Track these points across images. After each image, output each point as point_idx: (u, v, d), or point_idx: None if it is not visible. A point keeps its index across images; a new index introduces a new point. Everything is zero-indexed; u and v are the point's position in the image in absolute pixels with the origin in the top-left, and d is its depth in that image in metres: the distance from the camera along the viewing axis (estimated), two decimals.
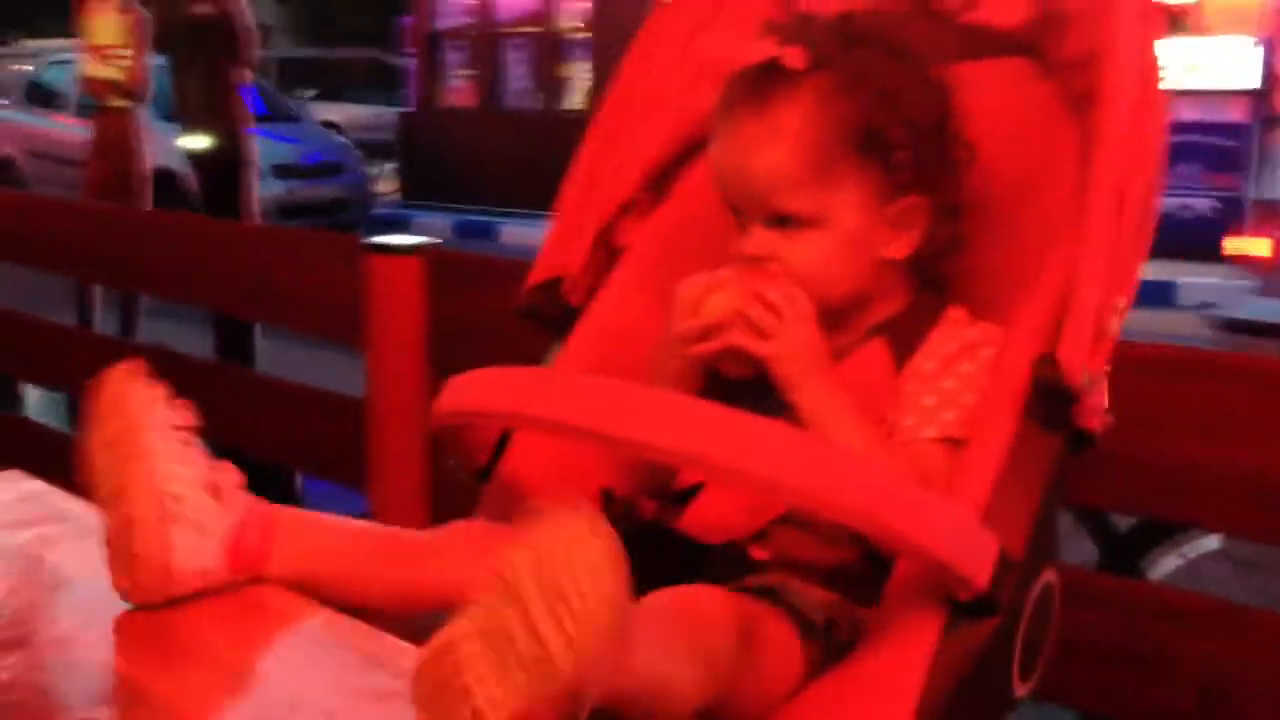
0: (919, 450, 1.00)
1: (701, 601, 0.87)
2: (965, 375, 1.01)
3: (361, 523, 1.05)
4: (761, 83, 1.04)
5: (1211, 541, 2.10)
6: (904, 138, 1.03)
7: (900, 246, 1.05)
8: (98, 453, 0.90)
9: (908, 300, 1.08)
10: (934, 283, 1.09)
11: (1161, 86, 1.01)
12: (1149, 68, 1.00)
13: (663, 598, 0.85)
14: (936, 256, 1.08)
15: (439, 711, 0.68)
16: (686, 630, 0.83)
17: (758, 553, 1.00)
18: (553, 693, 0.67)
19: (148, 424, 0.89)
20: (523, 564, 0.68)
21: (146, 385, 0.91)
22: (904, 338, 1.05)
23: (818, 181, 1.02)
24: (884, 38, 1.06)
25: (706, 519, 1.03)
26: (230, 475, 0.92)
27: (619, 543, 0.69)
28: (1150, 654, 1.43)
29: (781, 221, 1.03)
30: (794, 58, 1.02)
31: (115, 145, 4.43)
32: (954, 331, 1.04)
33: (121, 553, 0.87)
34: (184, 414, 0.92)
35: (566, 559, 0.68)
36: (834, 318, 1.06)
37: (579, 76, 11.90)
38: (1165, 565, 2.04)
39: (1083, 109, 1.05)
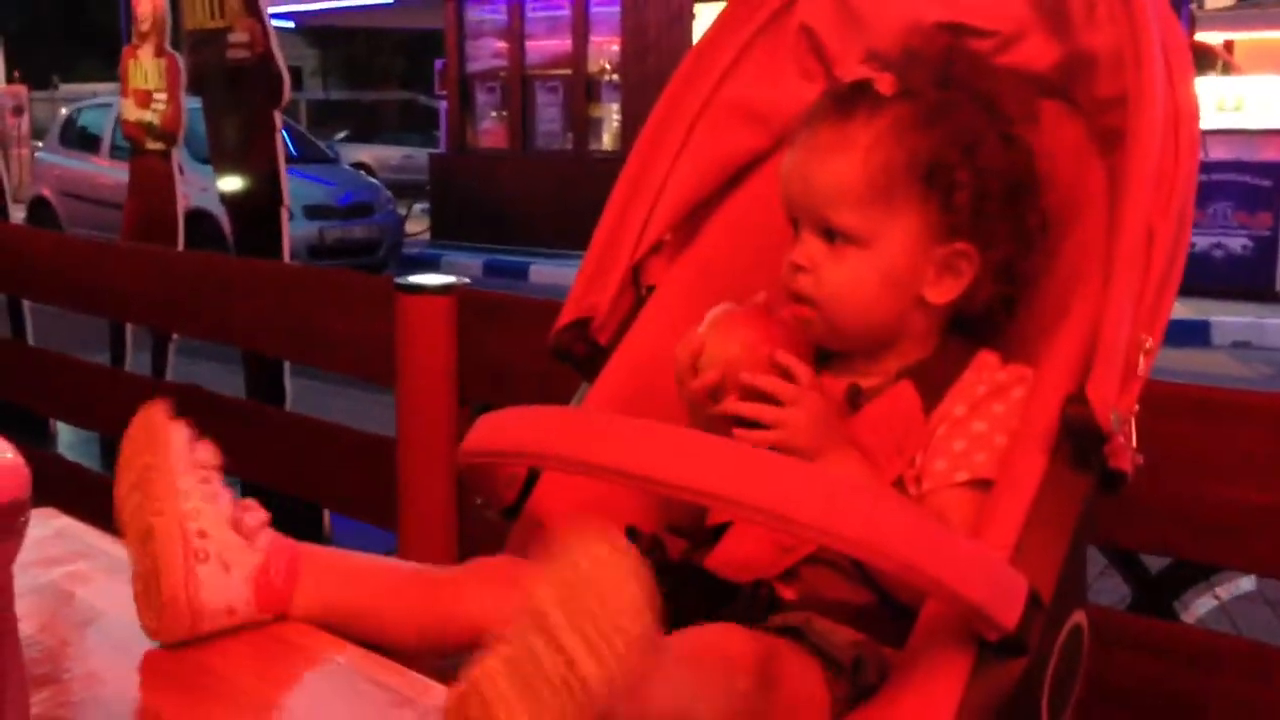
0: (949, 497, 0.99)
1: (723, 639, 0.86)
2: (995, 417, 1.01)
3: (387, 560, 1.05)
4: (847, 100, 1.06)
5: (1247, 583, 2.07)
6: (968, 181, 1.03)
7: (942, 291, 1.06)
8: (125, 495, 0.91)
9: (937, 345, 1.08)
10: (968, 327, 1.09)
11: (1194, 126, 1.01)
12: (1180, 107, 1.00)
13: (685, 635, 0.84)
14: (979, 313, 1.07)
15: None
16: (707, 667, 0.82)
17: (785, 592, 1.00)
18: (583, 714, 0.67)
19: (173, 464, 0.90)
20: (548, 591, 0.69)
21: (172, 424, 0.92)
22: (933, 381, 1.05)
23: (875, 202, 1.04)
24: (977, 86, 1.07)
25: (734, 557, 1.02)
26: (256, 513, 0.93)
27: (644, 564, 0.70)
28: (1183, 697, 1.41)
29: (831, 235, 1.05)
30: (884, 83, 1.04)
31: (151, 187, 4.50)
32: (984, 375, 1.04)
33: (149, 593, 0.88)
34: (210, 452, 0.92)
35: (593, 581, 0.69)
36: (861, 351, 1.07)
37: (609, 119, 12.00)
38: (1199, 607, 2.02)
39: (1112, 149, 1.05)
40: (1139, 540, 1.57)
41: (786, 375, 1.01)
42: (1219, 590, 2.00)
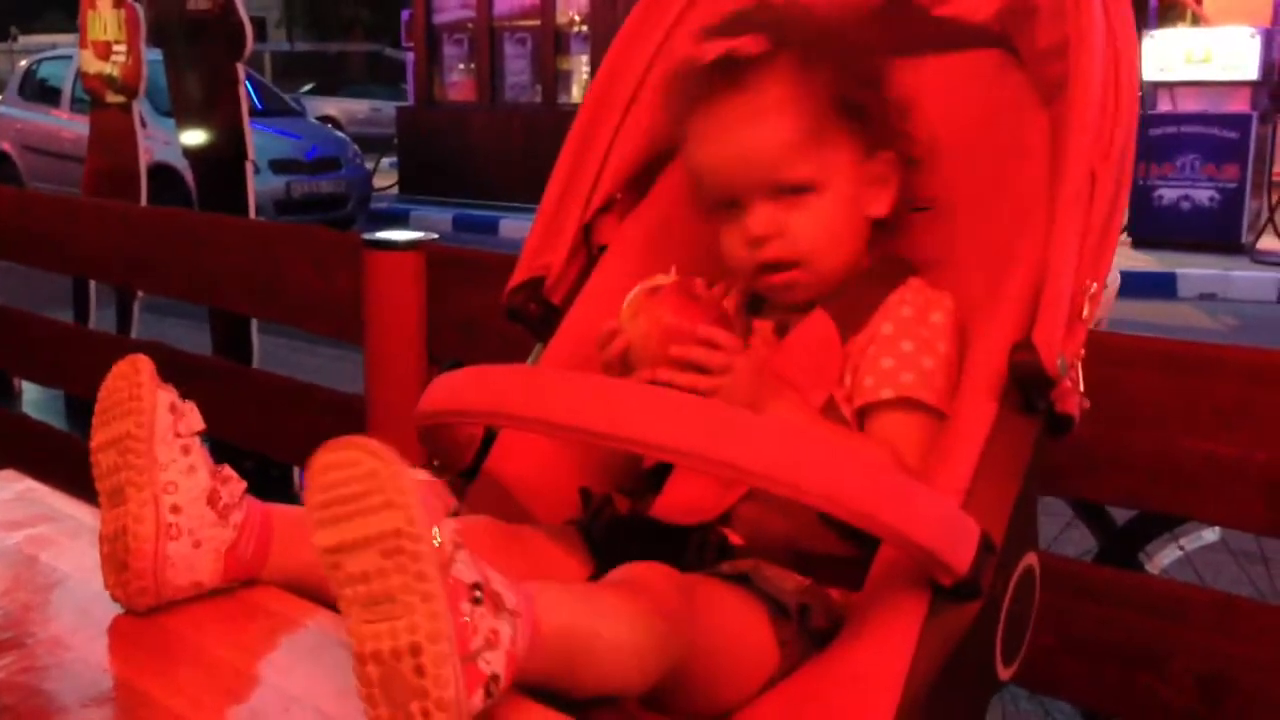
0: (884, 422, 1.02)
1: (647, 570, 0.87)
2: (922, 339, 1.04)
3: None
4: (728, 72, 1.07)
5: (1211, 534, 2.10)
6: (871, 99, 1.08)
7: (882, 204, 1.10)
8: (103, 448, 0.89)
9: (862, 267, 1.11)
10: (903, 263, 1.12)
11: (1134, 72, 1.03)
12: (1119, 53, 1.02)
13: (608, 576, 0.86)
14: (894, 218, 1.11)
15: (400, 696, 0.67)
16: (627, 591, 0.83)
17: (734, 537, 1.02)
18: (416, 558, 0.66)
19: (155, 432, 0.88)
20: (318, 532, 0.69)
21: (158, 387, 0.90)
22: (856, 301, 1.08)
23: (814, 146, 1.07)
24: (808, 20, 1.11)
25: (678, 501, 1.04)
26: (234, 486, 0.91)
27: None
28: (1149, 647, 1.43)
29: (781, 193, 1.07)
30: (752, 44, 1.06)
31: (112, 141, 4.42)
32: (908, 295, 1.07)
33: (116, 558, 0.87)
34: (193, 418, 0.91)
35: (333, 484, 0.69)
36: (837, 288, 1.09)
37: (578, 71, 11.89)
38: (1164, 558, 2.04)
39: (1054, 98, 1.07)
40: (1105, 493, 1.59)
41: (712, 344, 1.01)
42: (1183, 541, 2.03)
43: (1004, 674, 1.01)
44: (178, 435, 0.89)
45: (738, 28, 1.08)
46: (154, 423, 0.88)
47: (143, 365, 0.90)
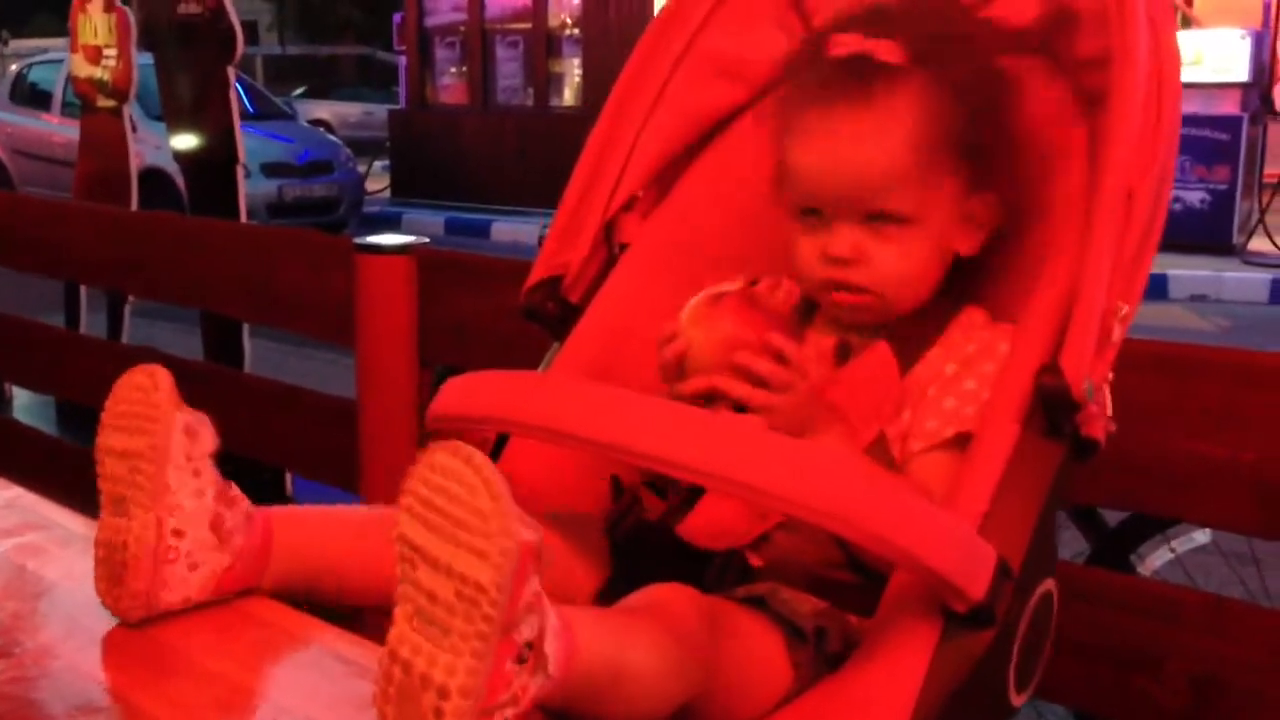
0: (936, 459, 0.99)
1: (671, 593, 0.86)
2: (984, 375, 1.00)
3: (358, 513, 1.01)
4: (858, 78, 1.02)
5: (1202, 535, 2.10)
6: (992, 139, 1.03)
7: (971, 243, 1.06)
8: (112, 455, 0.89)
9: (926, 298, 1.07)
10: (961, 292, 1.08)
11: (1177, 88, 1.00)
12: (1161, 68, 0.99)
13: (632, 598, 0.85)
14: (987, 254, 1.07)
15: (411, 712, 0.67)
16: (652, 614, 0.82)
17: (754, 560, 1.00)
18: (489, 616, 0.66)
19: (170, 455, 0.88)
20: (409, 523, 0.69)
21: (176, 408, 0.89)
22: (914, 332, 1.04)
23: (920, 181, 1.02)
24: (965, 36, 1.06)
25: (710, 523, 1.02)
26: (238, 508, 0.91)
27: (484, 456, 0.69)
28: (1142, 649, 1.43)
29: (873, 219, 1.03)
30: (888, 52, 1.01)
31: (103, 145, 4.41)
32: (973, 334, 1.04)
33: (111, 569, 0.86)
34: (209, 437, 0.90)
35: (442, 490, 0.68)
36: (895, 315, 1.06)
37: (570, 74, 11.88)
38: (1156, 560, 2.04)
39: (1093, 109, 1.04)
40: (1097, 495, 1.58)
41: (780, 358, 0.99)
42: (1174, 543, 2.03)
43: (1017, 701, 0.98)
44: (189, 459, 0.89)
45: (875, 26, 1.03)
46: (169, 446, 0.88)
47: (162, 381, 0.90)
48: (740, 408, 0.99)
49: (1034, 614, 0.97)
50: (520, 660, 0.68)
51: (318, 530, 0.97)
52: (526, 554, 0.67)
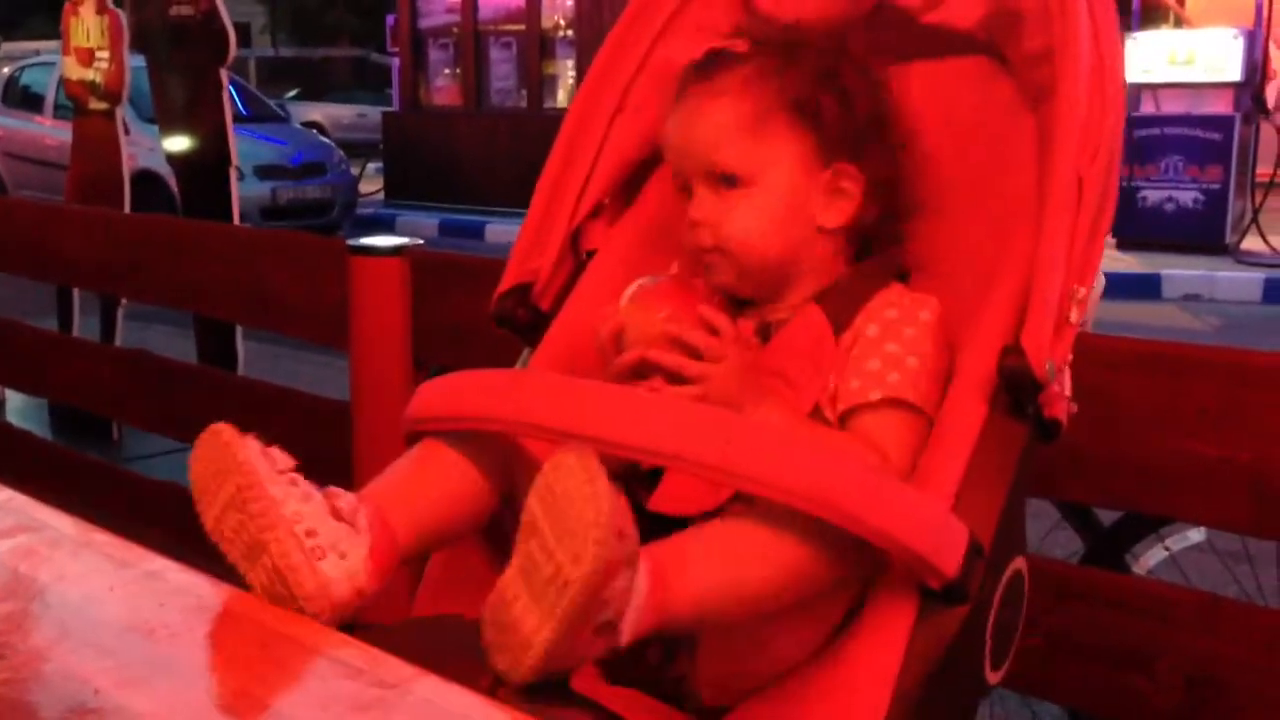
0: (872, 421, 1.02)
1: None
2: (906, 339, 1.04)
3: (421, 460, 1.05)
4: (708, 65, 1.12)
5: (1196, 534, 2.10)
6: (833, 103, 1.08)
7: (834, 215, 1.10)
8: (220, 517, 0.91)
9: (845, 272, 1.11)
10: (888, 267, 1.12)
11: (1119, 75, 1.04)
12: (1104, 57, 1.02)
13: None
14: (874, 235, 1.11)
15: (500, 645, 0.81)
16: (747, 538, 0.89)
17: None
18: (575, 603, 0.78)
19: (261, 477, 0.90)
20: (537, 504, 0.81)
21: (243, 440, 0.91)
22: (841, 304, 1.08)
23: (750, 139, 1.07)
24: (823, 40, 1.12)
25: (674, 496, 1.04)
26: (346, 498, 0.94)
27: (601, 465, 0.79)
28: (1136, 648, 1.43)
29: (720, 182, 1.08)
30: (738, 45, 1.11)
31: (95, 148, 4.40)
32: (892, 298, 1.07)
33: (279, 595, 0.88)
34: (283, 455, 0.93)
35: (563, 489, 0.79)
36: (770, 287, 1.10)
37: (563, 75, 11.89)
38: (1150, 559, 2.05)
39: (1040, 103, 1.07)
40: (1092, 494, 1.59)
41: (710, 329, 1.03)
42: (1168, 542, 2.03)
43: (993, 678, 1.01)
44: (280, 473, 0.92)
45: (736, 35, 1.12)
46: (256, 470, 0.90)
47: (222, 429, 0.92)
48: (675, 380, 1.03)
49: (1006, 592, 1.00)
50: (597, 633, 0.81)
51: (408, 487, 1.01)
52: (615, 564, 0.79)
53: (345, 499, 0.94)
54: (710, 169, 1.08)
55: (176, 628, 0.84)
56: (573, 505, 0.78)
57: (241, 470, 0.89)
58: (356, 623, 0.91)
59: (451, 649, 0.85)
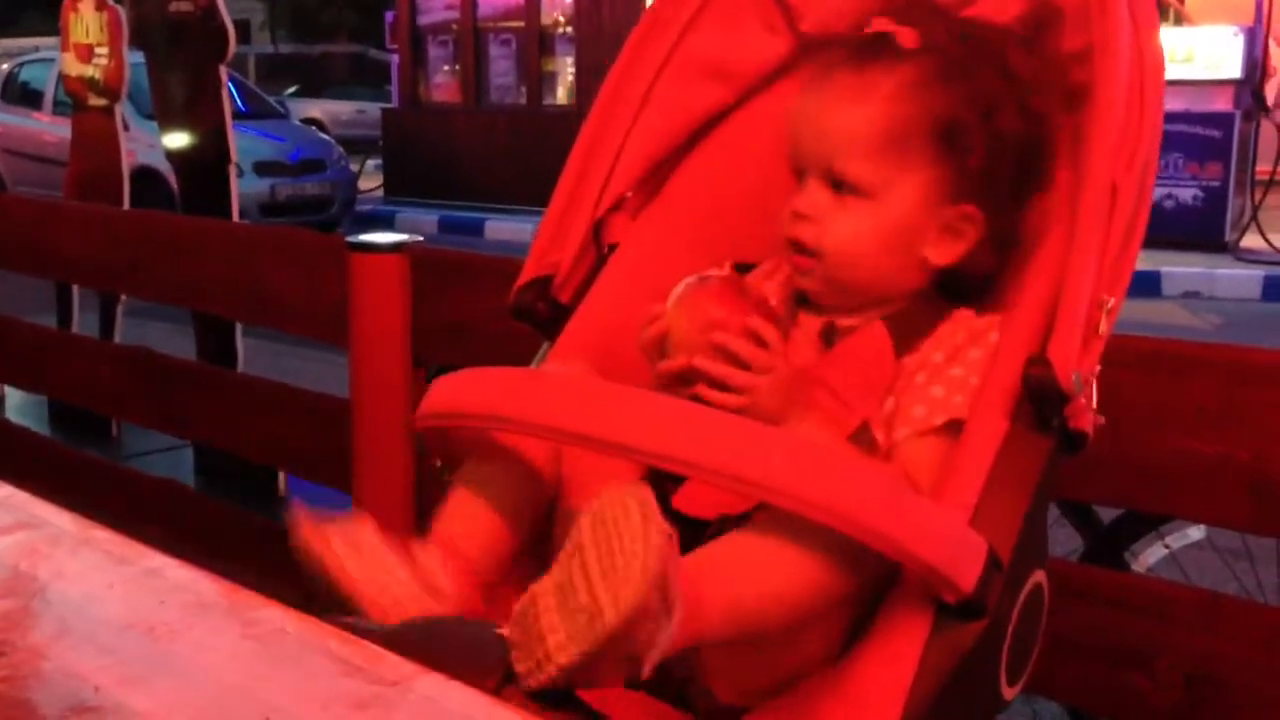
0: (922, 447, 0.99)
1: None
2: (972, 362, 1.00)
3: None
4: (867, 49, 1.04)
5: (1196, 532, 2.10)
6: (984, 145, 1.01)
7: (943, 253, 1.04)
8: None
9: (917, 298, 1.06)
10: (955, 290, 1.08)
11: (1159, 81, 1.01)
12: (1144, 62, 0.99)
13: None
14: (971, 277, 1.06)
15: (523, 648, 0.81)
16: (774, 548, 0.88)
17: None
18: (603, 640, 0.77)
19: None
20: (588, 529, 0.79)
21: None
22: (908, 327, 1.04)
23: (887, 155, 1.01)
24: (999, 51, 1.05)
25: (700, 496, 1.02)
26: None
27: (660, 515, 0.78)
28: (1136, 646, 1.43)
29: (838, 186, 1.03)
30: (905, 36, 1.02)
31: (94, 144, 4.40)
32: (962, 325, 1.04)
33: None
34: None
35: (616, 525, 0.78)
36: (850, 300, 1.06)
37: (563, 72, 11.88)
38: (1150, 556, 2.05)
39: (1077, 104, 1.04)
40: (1092, 492, 1.59)
41: (759, 340, 1.00)
42: (1168, 540, 2.03)
43: (1008, 693, 0.99)
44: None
45: (912, 16, 1.04)
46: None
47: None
48: (719, 389, 1.00)
49: (1025, 606, 0.97)
50: (619, 663, 0.80)
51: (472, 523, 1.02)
52: (653, 614, 0.78)
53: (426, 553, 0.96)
54: (831, 170, 1.03)
55: (176, 625, 0.84)
56: (623, 546, 0.77)
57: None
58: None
59: (453, 648, 0.84)
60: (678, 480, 1.04)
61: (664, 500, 1.03)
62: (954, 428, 0.98)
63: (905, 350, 1.03)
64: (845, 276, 1.04)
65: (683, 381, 1.02)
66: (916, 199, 1.02)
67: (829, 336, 1.06)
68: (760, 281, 1.11)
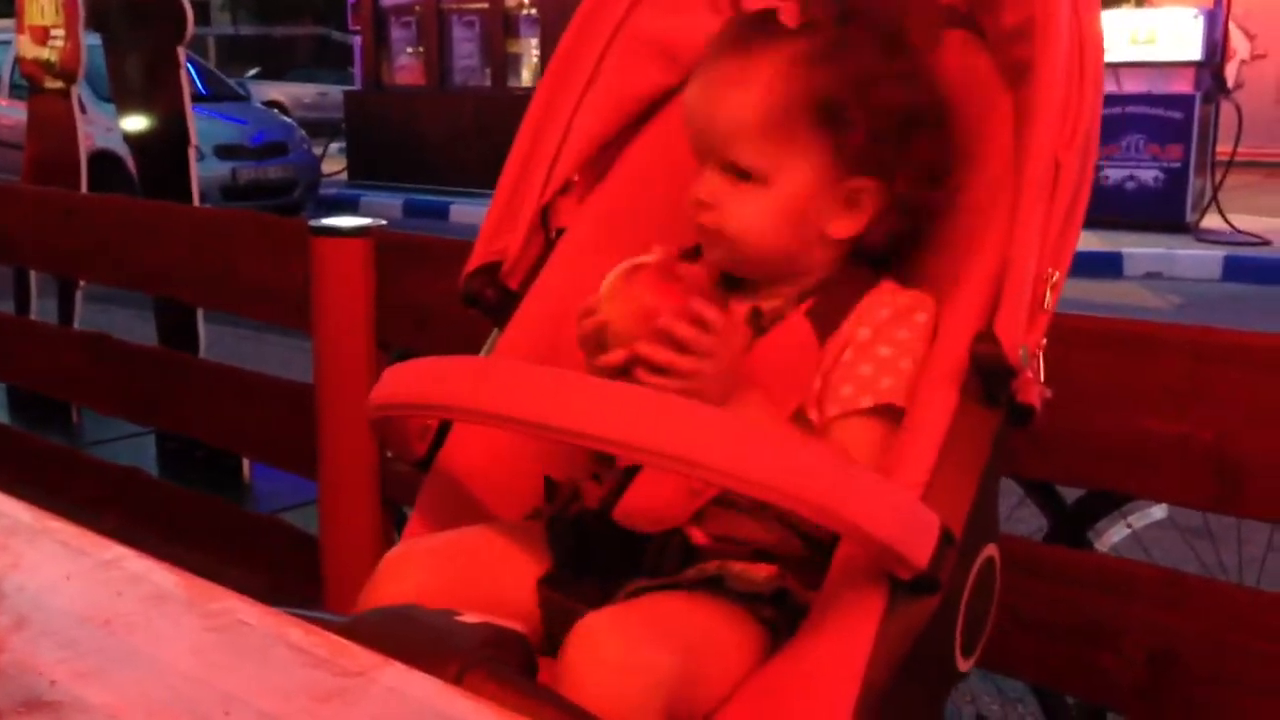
0: (854, 426, 1.00)
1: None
2: (900, 341, 1.02)
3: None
4: (749, 31, 1.05)
5: (1159, 511, 2.12)
6: (861, 120, 1.03)
7: (844, 226, 1.06)
8: None
9: (837, 270, 1.08)
10: (870, 258, 1.09)
11: (1099, 57, 1.01)
12: (1084, 38, 1.00)
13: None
14: (881, 244, 1.08)
15: None
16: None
17: (697, 537, 1.00)
18: None
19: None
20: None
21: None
22: (832, 304, 1.05)
23: (772, 140, 1.03)
24: (882, 22, 1.06)
25: (645, 503, 1.02)
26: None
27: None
28: (1100, 624, 1.45)
29: (733, 172, 1.05)
30: (787, 13, 1.03)
31: (51, 127, 4.33)
32: (885, 298, 1.05)
33: None
34: None
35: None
36: (763, 275, 1.08)
37: (527, 54, 11.82)
38: (1113, 535, 2.06)
39: (1018, 82, 1.05)
40: (1055, 472, 1.60)
41: (702, 324, 0.99)
42: (1131, 519, 2.05)
43: (963, 666, 1.00)
44: None
45: None
46: None
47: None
48: (663, 375, 1.00)
49: (977, 580, 0.99)
50: None
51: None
52: None
53: None
54: (724, 158, 1.05)
55: (134, 617, 0.83)
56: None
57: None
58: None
59: (415, 638, 0.83)
60: (619, 494, 1.03)
61: (606, 513, 1.03)
62: (885, 411, 0.99)
63: (830, 328, 1.04)
64: (747, 254, 1.07)
65: (623, 375, 1.01)
66: (808, 178, 1.04)
67: (755, 320, 1.07)
68: (691, 264, 1.11)
